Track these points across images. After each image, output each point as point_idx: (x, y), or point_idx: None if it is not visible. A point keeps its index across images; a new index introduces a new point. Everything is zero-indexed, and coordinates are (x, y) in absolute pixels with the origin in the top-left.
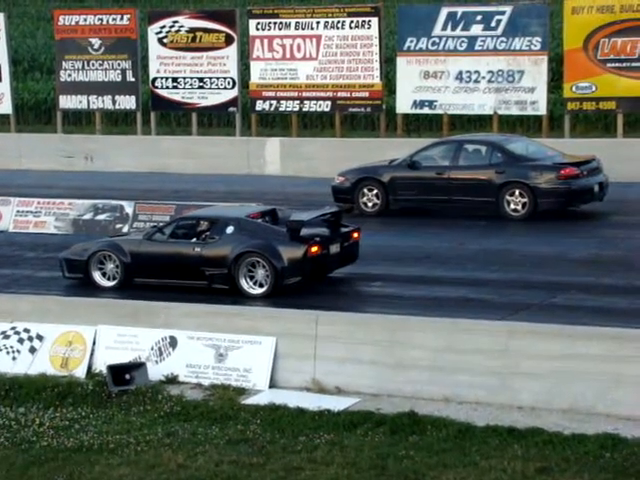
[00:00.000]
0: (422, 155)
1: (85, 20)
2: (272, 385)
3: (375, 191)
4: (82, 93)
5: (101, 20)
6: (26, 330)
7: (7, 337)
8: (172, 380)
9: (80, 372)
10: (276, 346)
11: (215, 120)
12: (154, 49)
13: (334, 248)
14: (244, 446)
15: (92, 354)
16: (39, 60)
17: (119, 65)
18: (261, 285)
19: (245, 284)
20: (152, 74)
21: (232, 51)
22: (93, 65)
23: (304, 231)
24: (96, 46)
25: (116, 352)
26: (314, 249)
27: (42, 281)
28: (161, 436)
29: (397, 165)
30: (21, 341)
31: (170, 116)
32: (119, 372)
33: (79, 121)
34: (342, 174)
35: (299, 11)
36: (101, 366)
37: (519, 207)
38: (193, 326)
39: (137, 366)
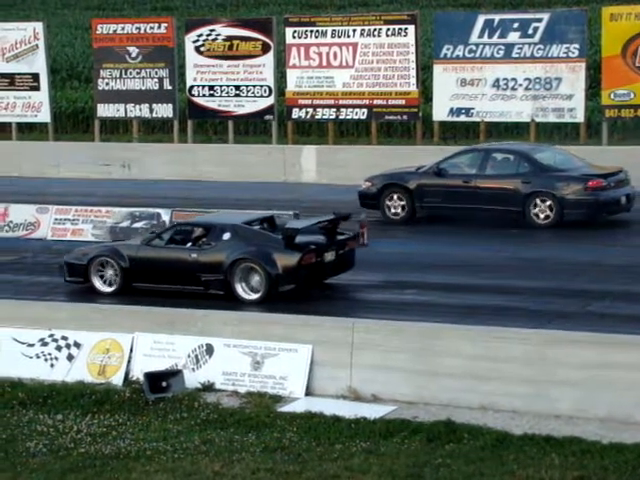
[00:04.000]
0: (449, 163)
1: (123, 29)
2: (308, 393)
3: (401, 198)
4: (120, 101)
5: (139, 29)
6: (64, 338)
7: (45, 344)
8: (208, 388)
9: (117, 379)
10: (312, 354)
11: (251, 128)
12: (191, 57)
13: (329, 256)
14: (280, 454)
15: (129, 361)
16: (77, 69)
17: (156, 73)
18: (256, 291)
19: (240, 290)
20: (189, 82)
21: (269, 59)
22: (130, 73)
23: (299, 239)
24: (134, 54)
25: (153, 360)
26: (308, 257)
27: (79, 289)
28: (198, 443)
29: (424, 172)
30: (59, 348)
31: (207, 124)
32: (156, 379)
33: (116, 129)
34: (369, 179)
35: (336, 19)
36: (138, 373)
37: (545, 217)
38: (229, 334)
39: (174, 374)
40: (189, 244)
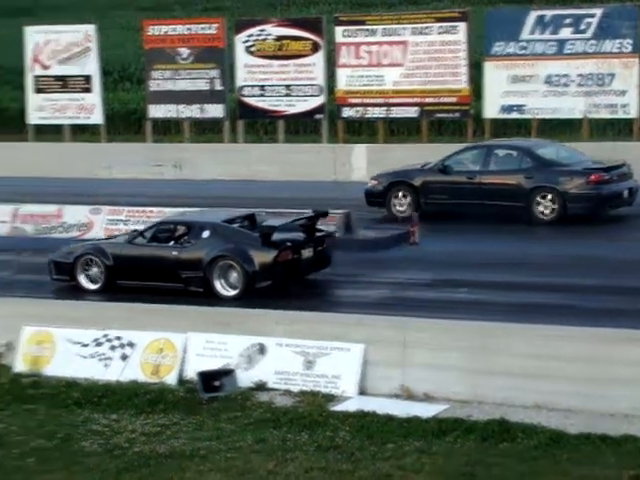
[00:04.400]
0: (454, 159)
1: (174, 30)
2: (361, 392)
3: (406, 195)
4: (171, 102)
5: (189, 29)
6: (118, 337)
7: (99, 344)
8: (261, 387)
9: (171, 379)
10: (365, 353)
11: (302, 127)
12: (241, 57)
13: (306, 253)
14: (333, 453)
15: (182, 361)
16: (129, 70)
17: (207, 74)
18: (234, 288)
19: (219, 286)
20: (239, 82)
21: (319, 58)
22: (181, 74)
23: (277, 236)
24: (184, 55)
25: (206, 359)
26: (285, 254)
27: (132, 289)
28: (251, 442)
29: (429, 169)
30: (113, 348)
31: (257, 124)
32: (209, 379)
33: (168, 130)
34: (375, 177)
35: (386, 17)
36: (191, 373)
37: (548, 212)
38: (281, 333)
39: (226, 373)
40: (171, 242)
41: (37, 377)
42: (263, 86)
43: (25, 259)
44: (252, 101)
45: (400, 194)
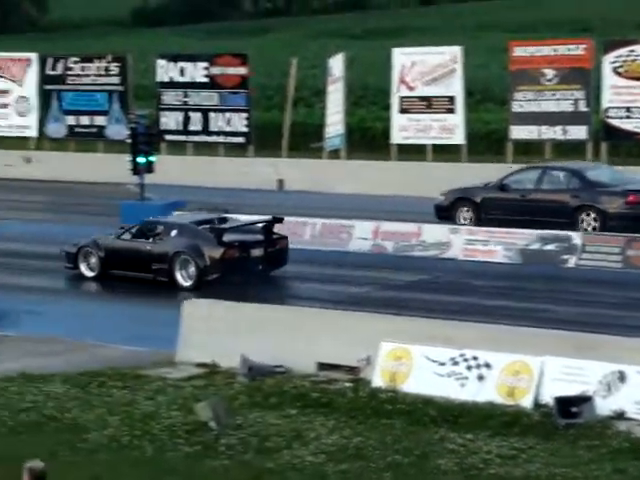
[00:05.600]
0: (512, 179)
1: (540, 51)
2: None
3: (469, 210)
4: (533, 123)
5: (555, 50)
6: (474, 358)
7: (456, 363)
8: (620, 416)
9: (526, 402)
10: None
11: None
12: (608, 78)
13: (256, 252)
14: None
15: (538, 385)
16: (492, 91)
17: (572, 95)
18: (192, 279)
19: (180, 277)
20: (604, 104)
21: None
22: (545, 95)
23: (227, 237)
24: (549, 76)
25: (562, 384)
26: (231, 252)
27: (489, 309)
28: (609, 472)
29: (490, 187)
30: (469, 368)
31: (621, 146)
32: (566, 405)
33: (528, 151)
34: (443, 194)
35: None
36: (547, 397)
37: (592, 228)
38: None
39: (584, 400)
40: (149, 239)
41: (394, 392)
42: (629, 108)
43: (384, 275)
44: (617, 123)
45: (464, 209)
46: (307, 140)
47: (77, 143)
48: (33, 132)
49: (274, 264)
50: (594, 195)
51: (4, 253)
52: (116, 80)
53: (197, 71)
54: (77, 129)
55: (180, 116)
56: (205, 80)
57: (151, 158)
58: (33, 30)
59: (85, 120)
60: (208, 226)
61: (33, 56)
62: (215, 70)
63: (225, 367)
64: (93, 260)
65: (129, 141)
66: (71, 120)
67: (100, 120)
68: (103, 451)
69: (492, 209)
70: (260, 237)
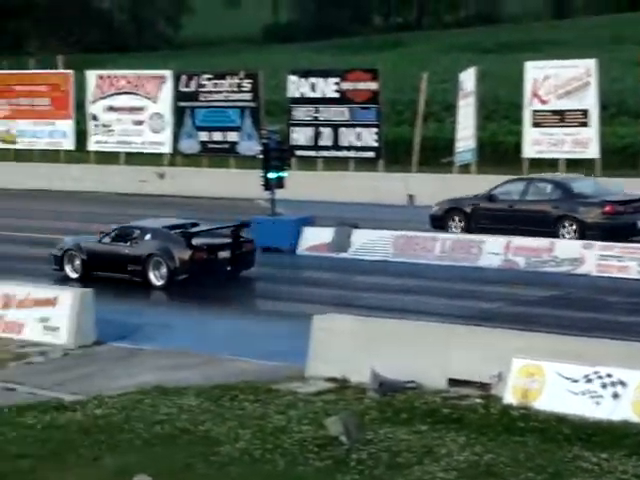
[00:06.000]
0: (500, 190)
1: None
2: None
3: (461, 219)
4: None
5: None
6: (608, 375)
7: (590, 381)
8: None
9: None
10: None
11: None
12: None
13: (223, 254)
14: None
15: None
16: (627, 104)
17: None
18: (163, 279)
19: (153, 277)
20: None
21: None
22: None
23: (196, 240)
24: None
25: None
26: (199, 254)
27: (623, 325)
28: None
29: (479, 198)
30: (604, 386)
31: None
32: None
33: None
34: (437, 204)
35: None
36: None
37: (570, 238)
38: None
39: None
40: (126, 242)
41: (526, 410)
42: None
43: (517, 291)
44: None
45: (456, 218)
46: (437, 155)
47: (210, 159)
48: (167, 148)
49: (241, 266)
50: (573, 205)
51: None
52: (248, 96)
53: (328, 86)
54: (210, 145)
55: (310, 131)
56: (336, 95)
57: (282, 174)
58: (167, 47)
59: (218, 136)
60: (179, 230)
61: (167, 73)
62: (346, 85)
63: (355, 382)
64: (77, 262)
65: (261, 157)
66: (204, 136)
67: (232, 136)
68: (236, 464)
69: (481, 219)
70: (227, 240)
